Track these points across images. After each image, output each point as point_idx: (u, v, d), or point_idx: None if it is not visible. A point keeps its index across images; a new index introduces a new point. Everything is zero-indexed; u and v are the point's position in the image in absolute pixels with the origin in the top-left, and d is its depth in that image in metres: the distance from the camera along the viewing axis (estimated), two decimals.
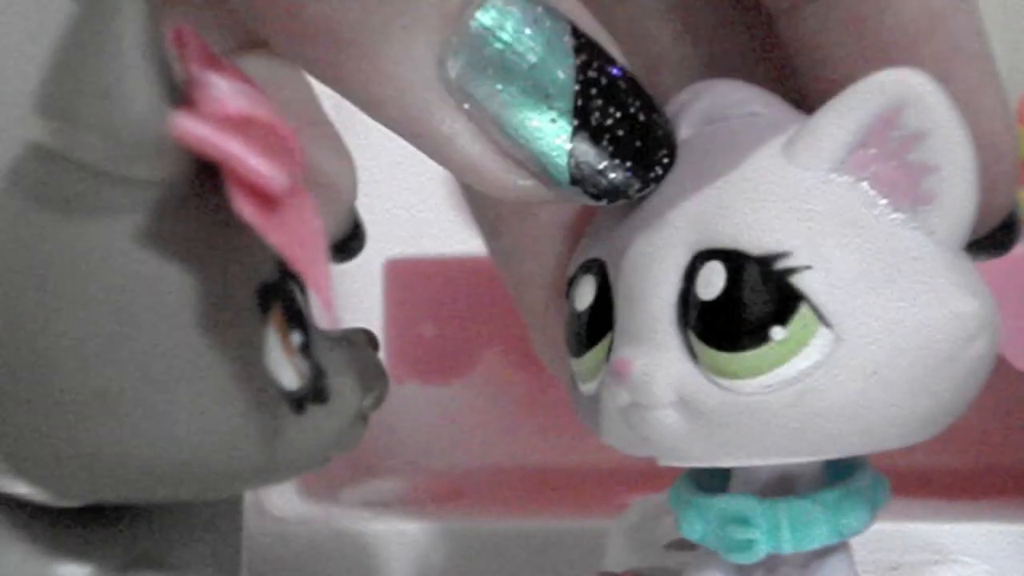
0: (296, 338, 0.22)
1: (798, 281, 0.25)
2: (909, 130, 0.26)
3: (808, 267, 0.25)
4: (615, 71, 0.24)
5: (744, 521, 0.28)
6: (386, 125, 0.24)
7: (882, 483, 0.29)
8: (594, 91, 0.24)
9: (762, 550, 0.28)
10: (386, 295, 0.50)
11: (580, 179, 0.24)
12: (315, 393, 0.23)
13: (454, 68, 0.23)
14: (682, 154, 0.27)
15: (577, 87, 0.23)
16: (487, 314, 0.48)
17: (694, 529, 0.28)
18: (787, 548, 0.28)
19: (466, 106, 0.23)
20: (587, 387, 0.29)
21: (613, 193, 0.24)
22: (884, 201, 0.26)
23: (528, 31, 0.23)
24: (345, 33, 0.23)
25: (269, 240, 0.20)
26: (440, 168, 0.50)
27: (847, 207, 0.26)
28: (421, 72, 0.23)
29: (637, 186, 0.25)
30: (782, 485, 0.28)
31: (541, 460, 0.52)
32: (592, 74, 0.24)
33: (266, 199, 0.21)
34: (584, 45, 0.24)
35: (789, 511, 0.28)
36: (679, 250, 0.26)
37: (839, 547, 0.28)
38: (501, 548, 0.44)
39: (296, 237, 0.21)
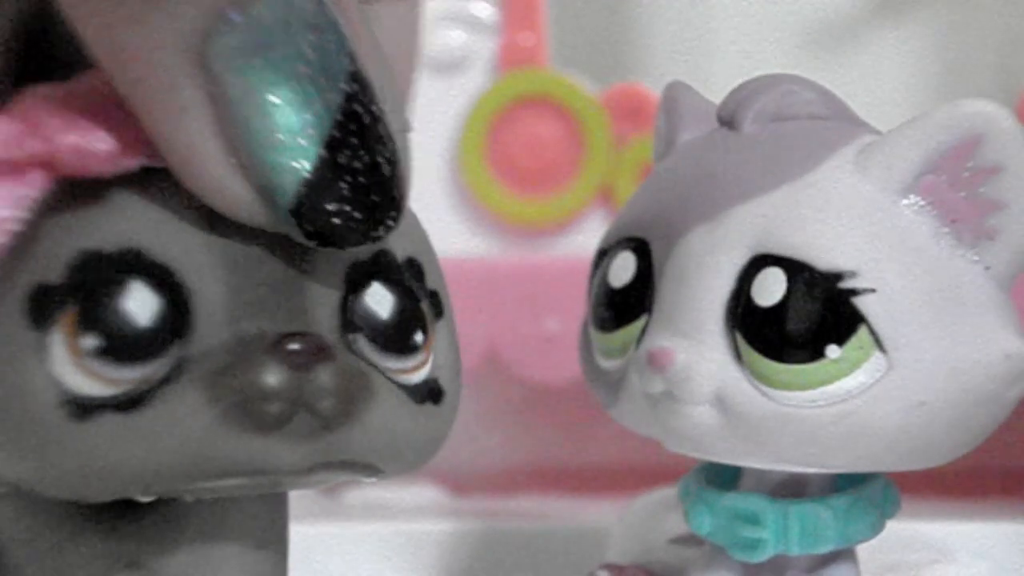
0: (89, 342, 0.21)
1: (860, 303, 0.25)
2: (984, 164, 0.26)
3: (872, 290, 0.25)
4: (377, 113, 0.22)
5: (754, 520, 0.28)
6: (122, 82, 0.21)
7: (892, 492, 0.29)
8: (354, 127, 0.21)
9: (769, 550, 0.28)
10: None
11: (300, 213, 0.21)
12: (130, 400, 0.21)
13: (220, 43, 0.20)
14: (745, 150, 0.27)
15: (340, 116, 0.21)
16: (487, 314, 0.48)
17: (702, 524, 0.28)
18: (795, 550, 0.28)
19: (212, 88, 0.21)
20: (608, 363, 0.28)
21: (328, 238, 0.21)
22: (947, 231, 0.26)
23: (312, 35, 0.21)
24: None
25: None
26: (440, 169, 0.50)
27: (913, 233, 0.26)
28: (180, 35, 0.20)
29: (355, 240, 0.22)
30: (793, 487, 0.28)
31: (541, 459, 0.52)
32: (358, 108, 0.21)
33: None
34: (359, 74, 0.21)
35: (800, 513, 0.28)
36: (738, 250, 0.26)
37: (846, 553, 0.29)
38: (501, 548, 0.44)
39: None
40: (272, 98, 0.21)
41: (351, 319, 0.22)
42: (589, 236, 0.47)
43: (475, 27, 0.51)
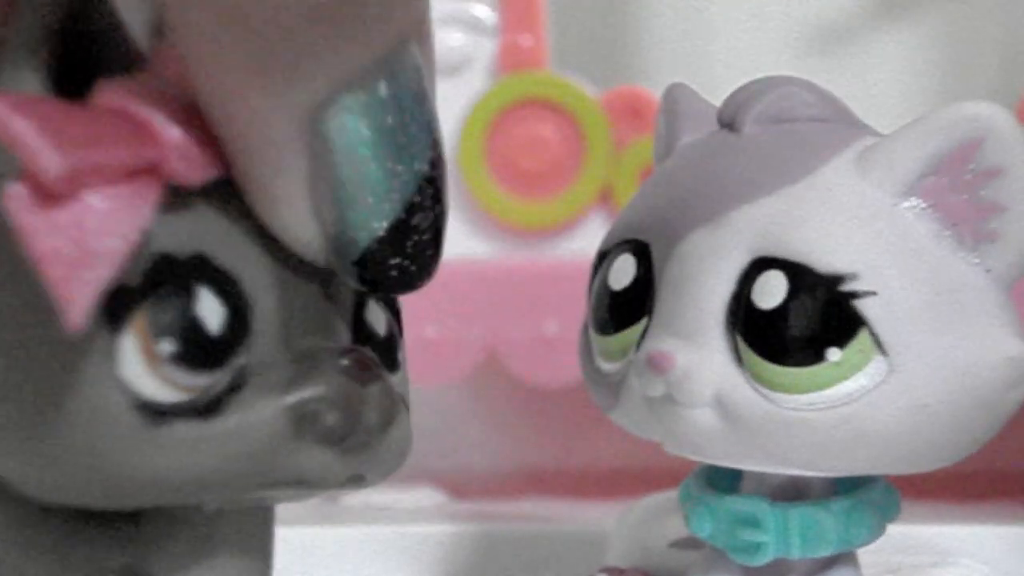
0: (165, 347, 0.21)
1: (861, 306, 0.25)
2: (986, 166, 0.26)
3: (873, 293, 0.25)
4: (446, 175, 0.22)
5: (754, 523, 0.28)
6: (231, 140, 0.22)
7: (893, 495, 0.29)
8: (430, 191, 0.22)
9: (770, 553, 0.28)
10: None
11: (366, 265, 0.22)
12: (205, 406, 0.21)
13: (337, 114, 0.21)
14: (746, 152, 0.27)
15: (423, 183, 0.22)
16: (487, 317, 0.48)
17: (703, 527, 0.28)
18: (795, 553, 0.28)
19: (315, 143, 0.21)
20: (607, 365, 0.28)
21: (382, 287, 0.22)
22: (948, 233, 0.26)
23: (415, 108, 0.22)
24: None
25: (21, 234, 0.19)
26: None
27: (914, 235, 0.26)
28: (299, 100, 0.21)
29: (404, 289, 0.23)
30: (793, 490, 0.28)
31: (541, 462, 0.52)
32: (436, 173, 0.22)
33: (41, 193, 0.19)
34: (439, 142, 0.22)
35: (800, 517, 0.28)
36: (738, 252, 0.26)
37: (846, 557, 0.29)
38: (501, 548, 0.44)
39: (60, 242, 0.19)
40: (372, 164, 0.21)
41: (361, 336, 0.23)
42: (589, 238, 0.47)
43: (475, 29, 0.50)
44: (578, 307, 0.30)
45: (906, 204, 0.26)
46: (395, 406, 0.23)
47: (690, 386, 0.26)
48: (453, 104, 0.50)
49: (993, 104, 0.26)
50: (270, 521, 0.25)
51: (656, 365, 0.27)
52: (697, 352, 0.26)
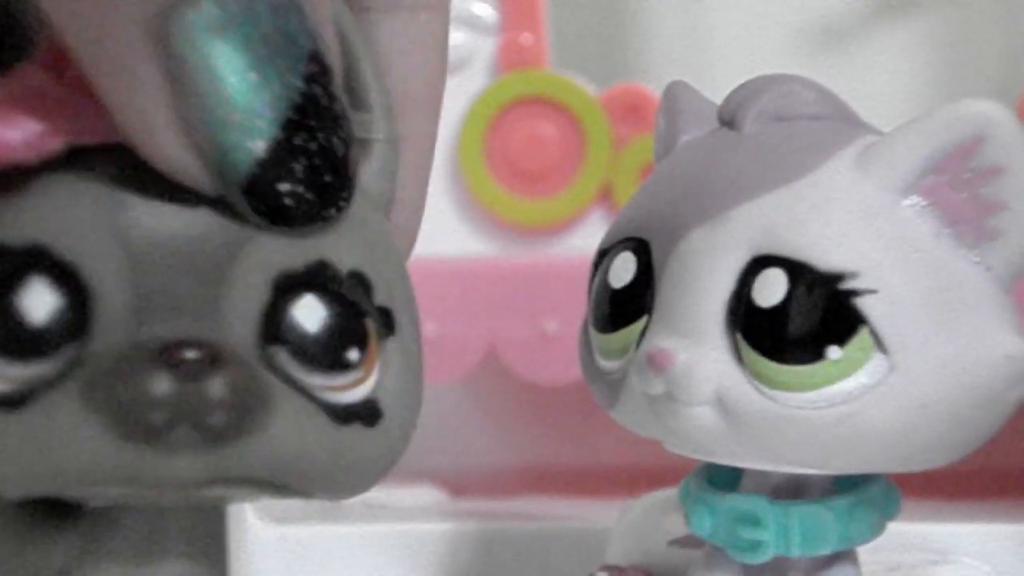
0: None
1: (861, 304, 0.25)
2: (986, 164, 0.26)
3: (873, 291, 0.25)
4: (335, 94, 0.22)
5: (754, 521, 0.28)
6: (80, 55, 0.21)
7: (893, 493, 0.29)
8: (311, 108, 0.21)
9: (770, 551, 0.28)
10: None
11: (252, 191, 0.21)
12: (13, 398, 0.20)
13: (181, 21, 0.20)
14: (746, 150, 0.27)
15: (298, 98, 0.21)
16: (486, 315, 0.48)
17: (703, 525, 0.28)
18: (796, 552, 0.28)
19: (170, 64, 0.20)
20: (608, 363, 0.28)
21: (279, 217, 0.21)
22: (948, 231, 0.26)
23: (273, 16, 0.21)
24: None
25: None
26: (440, 169, 0.50)
27: (914, 233, 0.26)
28: (141, 11, 0.20)
29: (305, 219, 0.22)
30: (793, 488, 0.28)
31: (541, 460, 0.52)
32: (316, 89, 0.21)
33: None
34: (319, 55, 0.21)
35: (800, 515, 0.28)
36: (738, 250, 0.26)
37: (846, 555, 0.29)
38: (501, 546, 0.44)
39: None
40: (230, 77, 0.21)
41: (273, 330, 0.22)
42: (589, 236, 0.47)
43: (475, 27, 0.50)
44: (578, 305, 0.30)
45: (906, 202, 0.26)
46: (254, 403, 0.21)
47: (690, 384, 0.26)
48: (453, 102, 0.50)
49: (993, 102, 0.26)
50: (221, 522, 0.24)
51: (656, 363, 0.27)
52: (697, 350, 0.26)
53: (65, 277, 0.21)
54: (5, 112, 0.21)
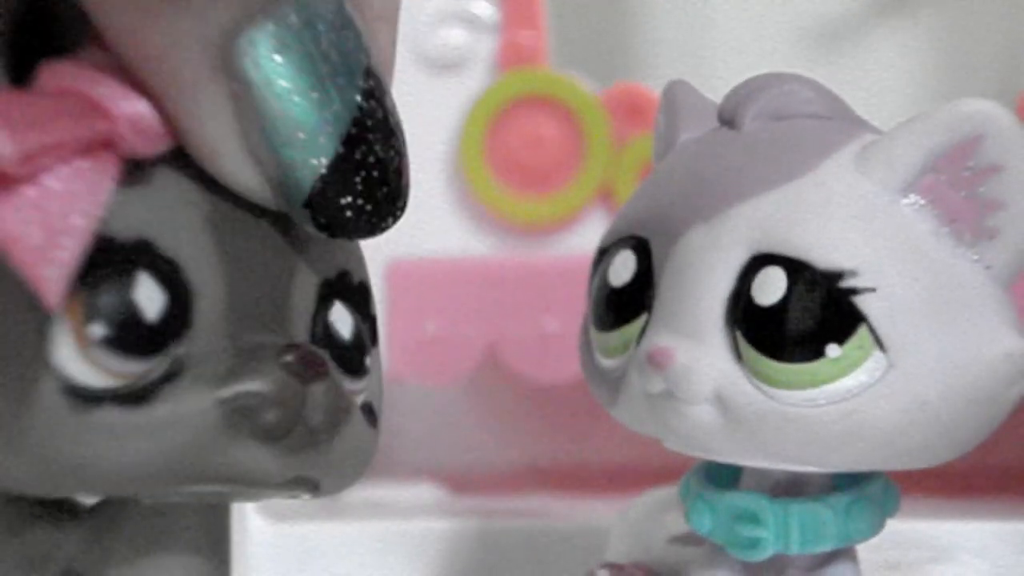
0: (97, 331, 0.20)
1: (860, 302, 0.25)
2: (984, 163, 0.26)
3: (872, 289, 0.25)
4: (390, 106, 0.22)
5: (754, 519, 0.28)
6: (146, 78, 0.21)
7: (892, 491, 0.29)
8: (369, 123, 0.22)
9: (769, 549, 0.28)
10: (388, 296, 0.50)
11: (315, 206, 0.22)
12: (136, 394, 0.21)
13: (244, 43, 0.21)
14: (746, 149, 0.27)
15: (357, 114, 0.22)
16: (487, 314, 0.48)
17: (703, 522, 0.28)
18: (795, 549, 0.28)
19: (235, 85, 0.21)
20: (607, 362, 0.28)
21: (340, 230, 0.22)
22: (947, 230, 0.26)
23: (332, 34, 0.21)
24: None
25: None
26: (440, 168, 0.50)
27: (913, 232, 0.26)
28: (205, 35, 0.21)
29: (365, 230, 0.22)
30: (793, 486, 0.28)
31: (541, 458, 0.52)
32: (373, 104, 0.22)
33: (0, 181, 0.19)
34: (374, 70, 0.22)
35: (800, 512, 0.28)
36: (738, 249, 0.26)
37: (846, 553, 0.29)
38: (501, 544, 0.44)
39: (25, 227, 0.19)
40: (294, 96, 0.21)
41: (319, 336, 0.23)
42: (589, 235, 0.47)
43: (475, 26, 0.50)
44: (578, 304, 0.31)
45: (905, 201, 0.26)
46: (343, 408, 0.22)
47: (690, 382, 0.26)
48: (453, 101, 0.50)
49: (992, 101, 0.26)
50: (224, 519, 0.24)
51: (656, 361, 0.27)
52: (697, 348, 0.26)
53: (169, 274, 0.21)
54: (135, 96, 0.21)
